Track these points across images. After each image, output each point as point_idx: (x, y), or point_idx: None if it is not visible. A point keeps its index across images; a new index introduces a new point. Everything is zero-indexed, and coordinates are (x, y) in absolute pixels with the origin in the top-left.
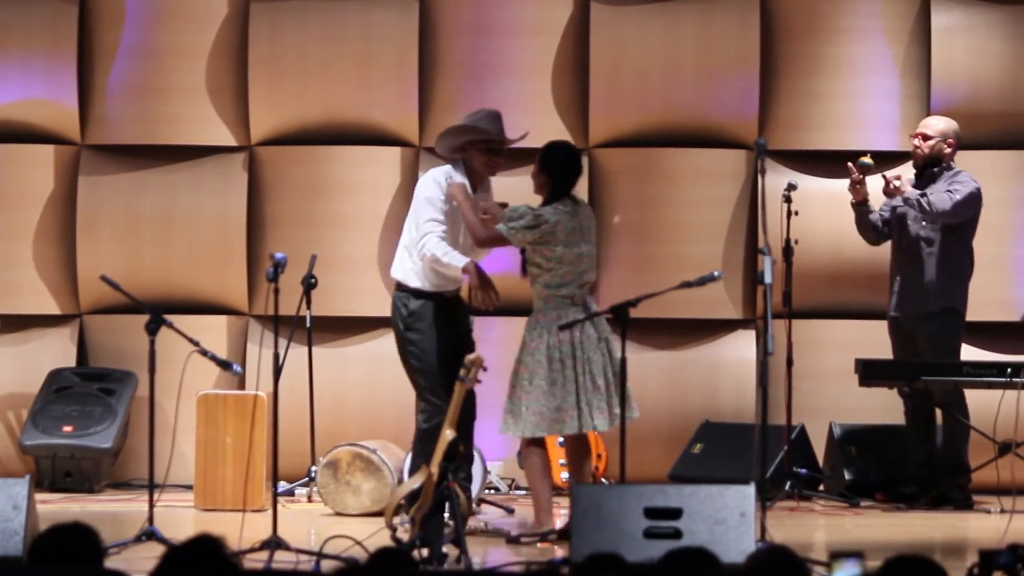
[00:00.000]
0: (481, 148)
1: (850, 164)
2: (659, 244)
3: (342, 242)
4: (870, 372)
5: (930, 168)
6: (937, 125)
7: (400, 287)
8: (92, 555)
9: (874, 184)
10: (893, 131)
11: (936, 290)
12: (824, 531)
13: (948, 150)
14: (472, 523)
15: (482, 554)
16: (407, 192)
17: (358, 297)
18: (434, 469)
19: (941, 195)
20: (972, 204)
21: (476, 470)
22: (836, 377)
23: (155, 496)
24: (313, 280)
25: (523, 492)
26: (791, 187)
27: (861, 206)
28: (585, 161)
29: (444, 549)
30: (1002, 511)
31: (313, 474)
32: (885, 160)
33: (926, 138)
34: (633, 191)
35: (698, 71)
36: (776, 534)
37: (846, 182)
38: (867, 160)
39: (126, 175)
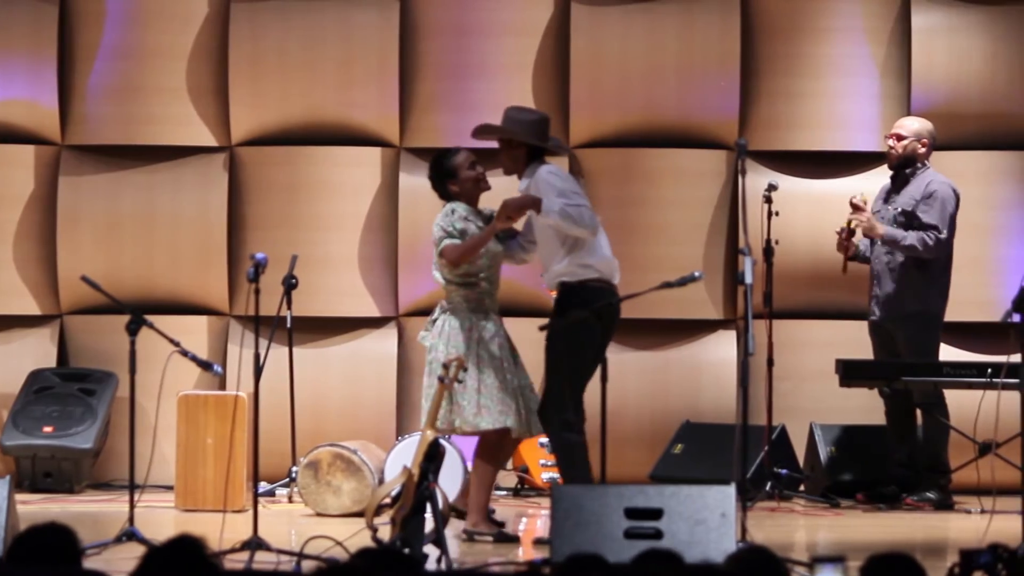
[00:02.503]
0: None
1: (838, 231)
2: (640, 244)
3: (323, 242)
4: (850, 372)
5: (904, 169)
6: (911, 125)
7: None
8: (70, 556)
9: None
10: (873, 131)
11: (912, 293)
12: (804, 531)
13: (922, 150)
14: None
15: (462, 554)
16: (388, 192)
17: (339, 297)
18: (414, 470)
19: (925, 236)
20: (952, 213)
21: (457, 471)
22: (817, 377)
23: (135, 497)
24: (294, 280)
25: (504, 492)
26: (772, 187)
27: (854, 259)
28: (566, 162)
29: (425, 549)
30: (982, 511)
31: (294, 475)
32: (866, 160)
33: (900, 138)
34: (614, 191)
35: (679, 71)
36: (757, 534)
37: (827, 183)
38: (852, 226)
39: (106, 175)
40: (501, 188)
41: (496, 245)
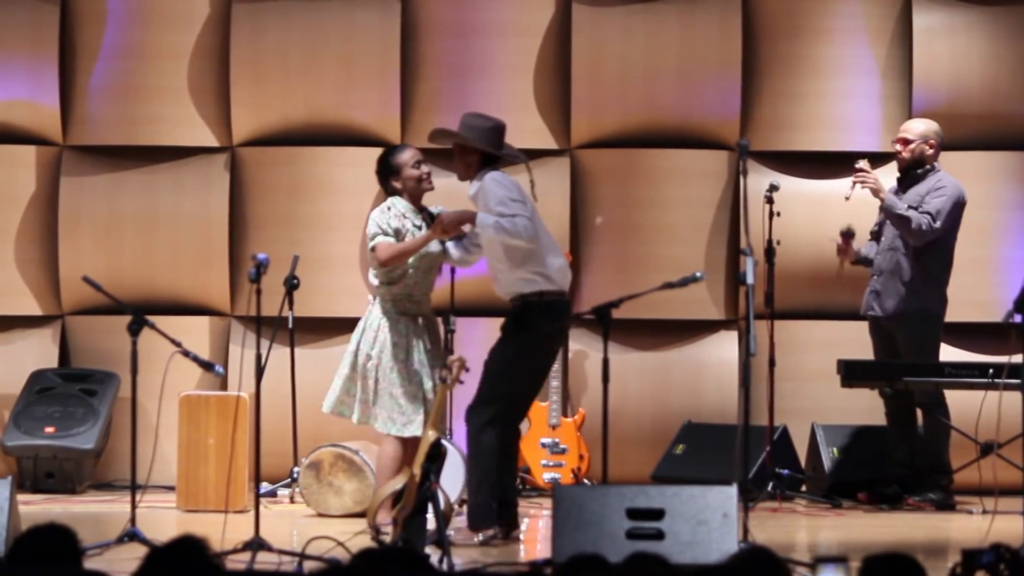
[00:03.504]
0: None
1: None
2: (641, 245)
3: (324, 243)
4: (852, 373)
5: (915, 170)
6: (917, 128)
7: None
8: (70, 556)
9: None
10: (875, 132)
11: (913, 292)
12: (806, 532)
13: (930, 151)
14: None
15: (464, 555)
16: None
17: (340, 298)
18: (416, 470)
19: (919, 217)
20: (954, 212)
21: (458, 471)
22: (818, 378)
23: (137, 497)
24: (295, 281)
25: None
26: (773, 188)
27: (856, 263)
28: (567, 162)
29: (426, 550)
30: (984, 512)
31: (295, 475)
32: (869, 160)
33: (906, 143)
34: (615, 192)
35: (680, 72)
36: (758, 535)
37: (829, 183)
38: (850, 229)
39: (108, 176)
40: (455, 187)
41: (434, 246)
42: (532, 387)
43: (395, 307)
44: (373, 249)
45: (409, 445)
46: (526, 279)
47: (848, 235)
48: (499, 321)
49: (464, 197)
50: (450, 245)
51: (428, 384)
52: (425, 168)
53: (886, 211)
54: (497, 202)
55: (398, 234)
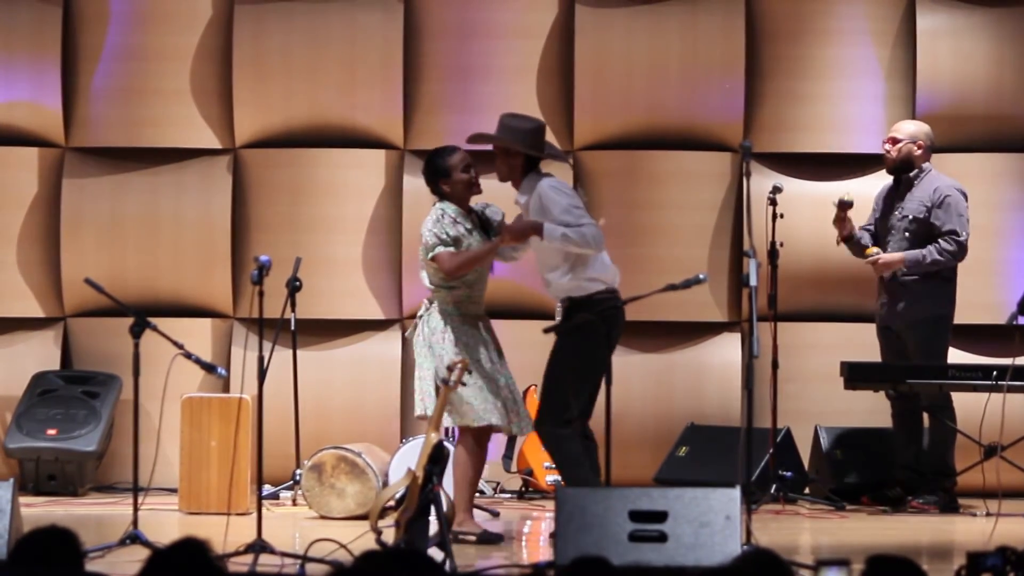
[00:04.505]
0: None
1: (833, 203)
2: (644, 247)
3: (327, 245)
4: (856, 375)
5: (904, 173)
6: (907, 128)
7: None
8: (72, 558)
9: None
10: (878, 134)
11: (923, 298)
12: (810, 534)
13: (918, 152)
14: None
15: (467, 557)
16: (392, 195)
17: (343, 300)
18: (419, 472)
19: (944, 245)
20: (966, 215)
21: None
22: (822, 380)
23: (139, 499)
24: (298, 283)
25: (508, 495)
26: (776, 190)
27: (848, 240)
28: (567, 169)
29: (429, 552)
30: (988, 514)
31: (298, 477)
32: (871, 162)
33: (895, 142)
34: (618, 193)
35: (683, 74)
36: (761, 537)
37: (831, 184)
38: (847, 198)
39: (110, 178)
40: (499, 190)
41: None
42: (589, 375)
43: (457, 309)
44: (434, 259)
45: (485, 435)
46: (578, 284)
47: (845, 204)
48: (513, 323)
49: (502, 195)
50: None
51: (502, 381)
52: (474, 172)
53: (914, 267)
54: (561, 211)
55: (457, 242)
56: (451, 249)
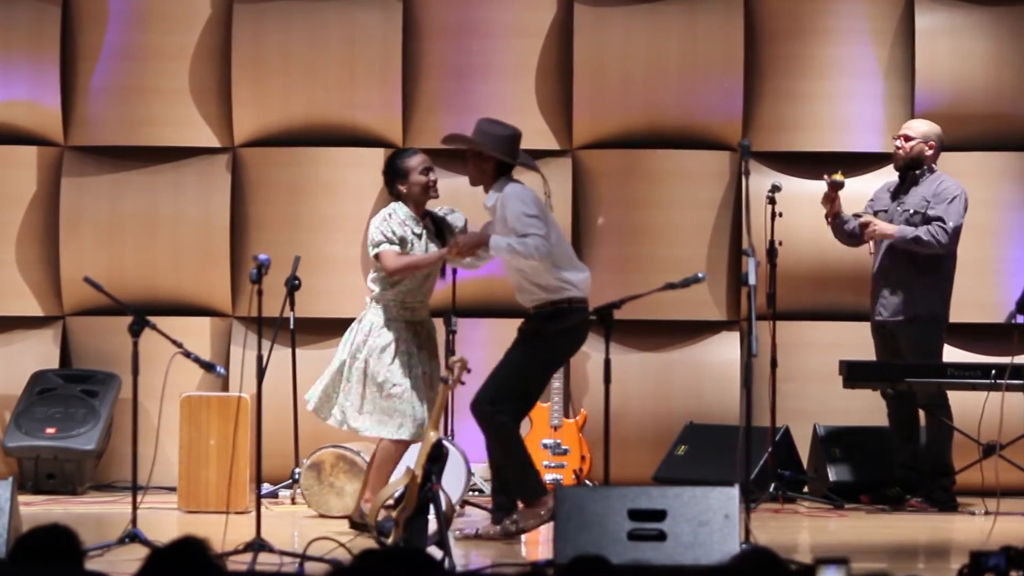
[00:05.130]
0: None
1: (824, 178)
2: (643, 246)
3: (326, 243)
4: (854, 374)
5: (911, 170)
6: (920, 127)
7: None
8: (71, 557)
9: (847, 192)
10: (877, 132)
11: (917, 296)
12: (808, 533)
13: (929, 152)
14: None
15: (466, 556)
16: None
17: (341, 298)
18: (418, 471)
19: (931, 228)
20: (960, 211)
21: (460, 472)
22: (820, 379)
23: (138, 498)
24: (297, 282)
25: None
26: (775, 188)
27: (835, 218)
28: (569, 162)
29: (427, 551)
30: (986, 513)
31: (297, 476)
32: (870, 161)
33: (907, 139)
34: (617, 192)
35: (682, 73)
36: (760, 536)
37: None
38: (839, 178)
39: (109, 176)
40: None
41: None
42: (543, 381)
43: (386, 312)
44: (377, 256)
45: (402, 448)
46: (550, 284)
47: (836, 184)
48: (500, 321)
49: (469, 200)
50: None
51: (418, 387)
52: (432, 176)
53: (901, 242)
54: (514, 218)
55: (403, 242)
56: (396, 249)
